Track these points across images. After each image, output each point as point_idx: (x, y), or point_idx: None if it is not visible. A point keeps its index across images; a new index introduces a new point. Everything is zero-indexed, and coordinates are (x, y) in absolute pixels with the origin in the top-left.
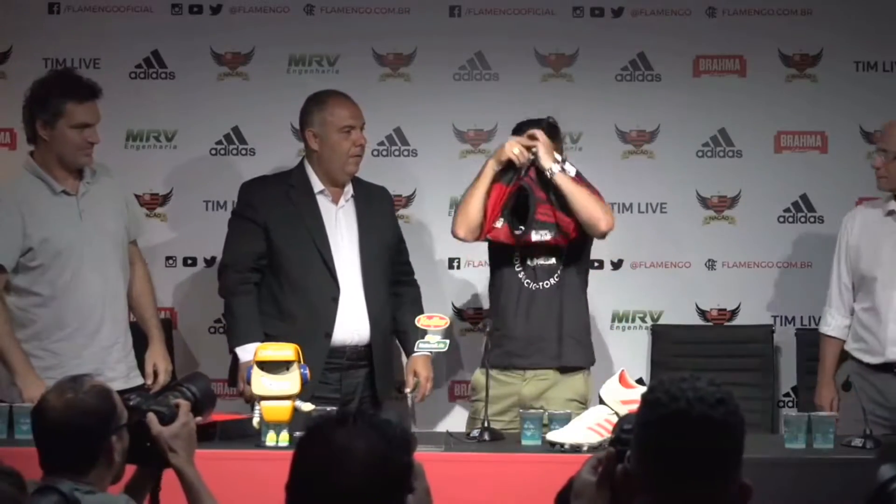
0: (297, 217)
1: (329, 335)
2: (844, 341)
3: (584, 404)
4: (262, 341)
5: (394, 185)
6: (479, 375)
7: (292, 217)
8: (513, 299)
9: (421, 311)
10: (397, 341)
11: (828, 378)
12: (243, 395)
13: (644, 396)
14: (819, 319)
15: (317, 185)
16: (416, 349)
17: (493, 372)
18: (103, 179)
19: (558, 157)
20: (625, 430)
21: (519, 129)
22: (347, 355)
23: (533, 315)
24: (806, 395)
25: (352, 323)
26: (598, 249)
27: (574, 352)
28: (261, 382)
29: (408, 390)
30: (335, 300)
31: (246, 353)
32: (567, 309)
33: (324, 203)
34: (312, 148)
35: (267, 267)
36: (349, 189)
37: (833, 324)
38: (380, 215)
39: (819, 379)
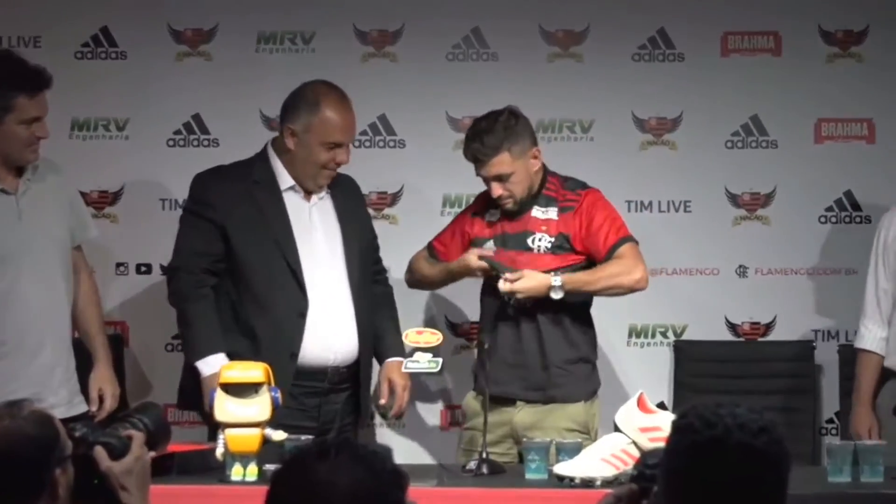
0: (260, 218)
1: (295, 355)
2: (883, 356)
3: (587, 434)
4: (226, 351)
5: (378, 181)
6: (471, 400)
7: (256, 218)
8: (497, 314)
9: (395, 311)
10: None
11: (864, 400)
12: (210, 418)
13: (675, 423)
14: None
15: (285, 180)
16: (403, 367)
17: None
18: (48, 177)
19: (549, 278)
20: (649, 466)
21: (472, 136)
22: (329, 378)
23: (517, 335)
24: None
25: (323, 341)
26: None
27: (557, 384)
28: (225, 407)
29: (382, 401)
30: (302, 316)
31: (208, 366)
32: (549, 332)
33: (294, 200)
34: (287, 146)
35: (225, 272)
36: None
37: (868, 336)
38: (356, 211)
39: (854, 401)
